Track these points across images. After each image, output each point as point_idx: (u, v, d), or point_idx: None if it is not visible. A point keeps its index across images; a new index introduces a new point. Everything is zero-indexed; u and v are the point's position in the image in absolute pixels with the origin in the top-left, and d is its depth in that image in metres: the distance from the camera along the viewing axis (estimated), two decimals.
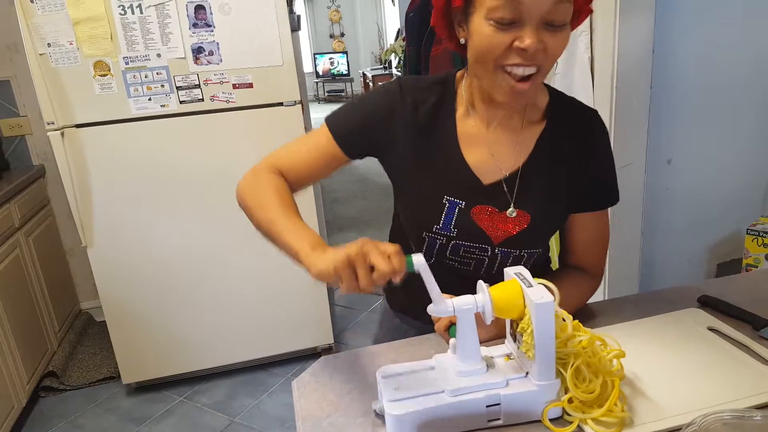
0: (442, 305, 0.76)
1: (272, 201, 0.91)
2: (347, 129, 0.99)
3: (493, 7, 0.80)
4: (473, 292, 0.79)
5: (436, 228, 0.97)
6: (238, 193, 0.98)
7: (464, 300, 0.76)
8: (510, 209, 0.96)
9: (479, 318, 0.77)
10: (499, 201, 0.96)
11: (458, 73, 1.00)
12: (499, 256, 0.98)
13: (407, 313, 1.14)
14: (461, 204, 0.96)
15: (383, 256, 0.73)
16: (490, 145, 0.97)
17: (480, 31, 0.83)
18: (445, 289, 0.78)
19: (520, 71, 0.84)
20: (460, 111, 0.98)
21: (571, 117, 0.98)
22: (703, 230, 2.26)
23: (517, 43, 0.82)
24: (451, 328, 0.88)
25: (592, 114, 1.00)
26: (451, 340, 0.80)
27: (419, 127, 0.97)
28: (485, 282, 0.78)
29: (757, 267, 2.03)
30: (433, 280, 0.76)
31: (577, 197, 1.00)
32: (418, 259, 0.75)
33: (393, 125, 0.97)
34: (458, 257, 1.00)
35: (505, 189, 0.96)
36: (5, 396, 2.09)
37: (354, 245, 0.74)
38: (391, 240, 1.15)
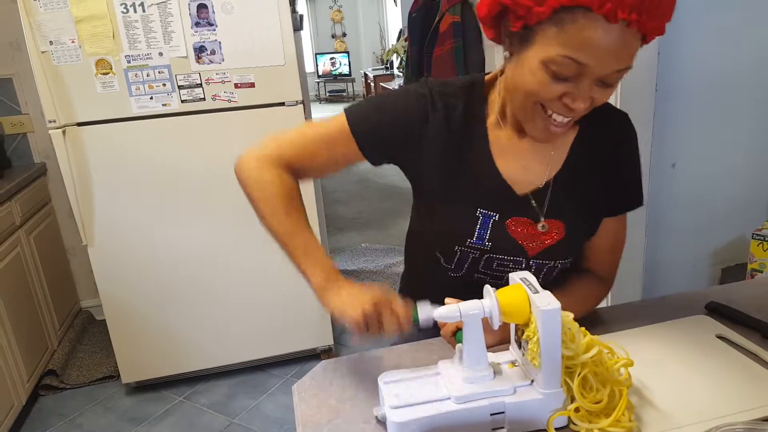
0: (453, 312, 0.75)
1: (283, 210, 0.90)
2: (369, 128, 0.93)
3: (554, 60, 0.75)
4: None
5: (470, 242, 0.93)
6: (241, 179, 0.94)
7: (471, 305, 0.75)
8: (541, 223, 0.93)
9: (485, 323, 0.75)
10: (534, 212, 0.93)
11: (487, 78, 0.95)
12: (533, 268, 0.95)
13: None
14: (495, 216, 0.92)
15: (394, 318, 0.78)
16: (522, 155, 0.93)
17: (531, 70, 0.78)
18: None
19: (560, 119, 0.82)
20: (491, 119, 0.94)
21: (603, 121, 0.95)
22: (707, 234, 2.24)
23: (566, 101, 0.79)
24: (457, 333, 0.86)
25: (623, 117, 0.97)
26: (458, 346, 0.79)
27: (450, 135, 0.92)
28: None
29: (762, 272, 2.02)
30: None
31: (608, 202, 0.97)
32: (425, 317, 0.79)
33: (424, 132, 0.92)
34: (491, 271, 0.96)
35: (536, 201, 0.93)
36: (5, 394, 2.08)
37: (369, 301, 0.78)
38: (408, 249, 1.12)
